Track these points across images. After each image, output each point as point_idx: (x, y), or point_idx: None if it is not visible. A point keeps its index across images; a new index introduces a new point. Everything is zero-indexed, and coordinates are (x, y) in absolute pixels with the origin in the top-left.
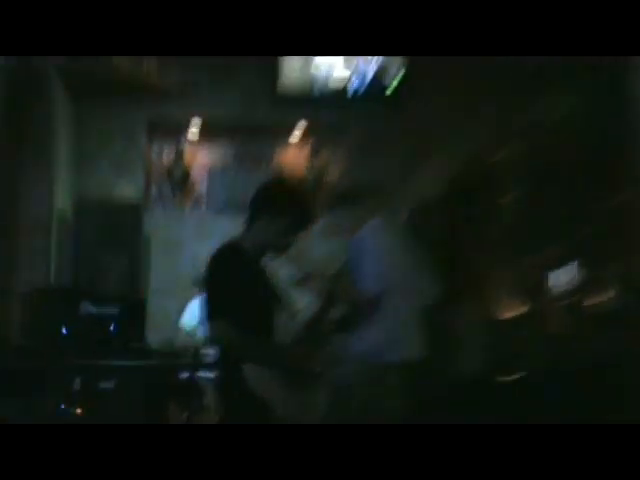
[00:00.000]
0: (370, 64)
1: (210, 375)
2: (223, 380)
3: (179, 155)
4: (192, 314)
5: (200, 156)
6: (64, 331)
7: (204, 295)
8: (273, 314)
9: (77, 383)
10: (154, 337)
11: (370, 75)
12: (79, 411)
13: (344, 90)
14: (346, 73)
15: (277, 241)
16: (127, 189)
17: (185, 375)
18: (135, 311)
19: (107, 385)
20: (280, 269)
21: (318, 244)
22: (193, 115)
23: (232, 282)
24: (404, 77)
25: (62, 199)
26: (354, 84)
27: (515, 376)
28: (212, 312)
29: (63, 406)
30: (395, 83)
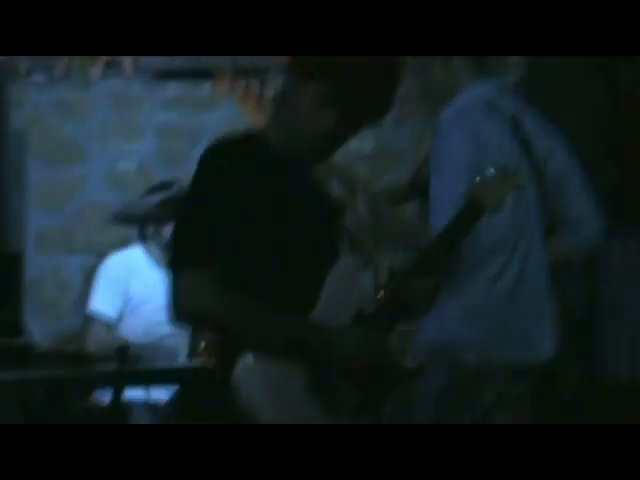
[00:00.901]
0: None
1: (154, 396)
2: (187, 403)
3: None
4: (112, 288)
5: None
6: None
7: (176, 226)
8: (318, 269)
9: None
10: (43, 329)
11: None
12: None
13: None
14: None
15: (332, 132)
16: None
17: (105, 397)
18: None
19: None
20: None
21: None
22: None
23: (233, 202)
24: None
25: None
26: None
27: None
28: (185, 256)
29: None
30: None
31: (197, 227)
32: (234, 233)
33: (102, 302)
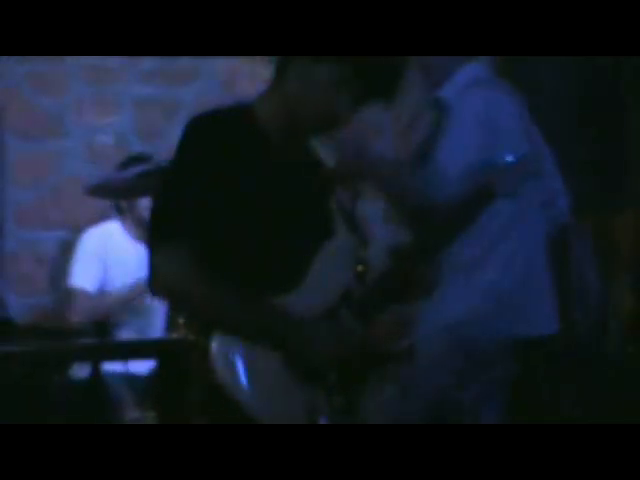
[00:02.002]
0: None
1: (135, 369)
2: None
3: None
4: (91, 261)
5: None
6: None
7: (156, 199)
8: (308, 249)
9: None
10: (21, 303)
11: None
12: None
13: None
14: None
15: (329, 108)
16: None
17: (84, 372)
18: None
19: None
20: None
21: None
22: None
23: (217, 177)
24: None
25: None
26: None
27: None
28: (163, 232)
29: None
30: None
31: (177, 202)
32: (217, 209)
33: (81, 276)
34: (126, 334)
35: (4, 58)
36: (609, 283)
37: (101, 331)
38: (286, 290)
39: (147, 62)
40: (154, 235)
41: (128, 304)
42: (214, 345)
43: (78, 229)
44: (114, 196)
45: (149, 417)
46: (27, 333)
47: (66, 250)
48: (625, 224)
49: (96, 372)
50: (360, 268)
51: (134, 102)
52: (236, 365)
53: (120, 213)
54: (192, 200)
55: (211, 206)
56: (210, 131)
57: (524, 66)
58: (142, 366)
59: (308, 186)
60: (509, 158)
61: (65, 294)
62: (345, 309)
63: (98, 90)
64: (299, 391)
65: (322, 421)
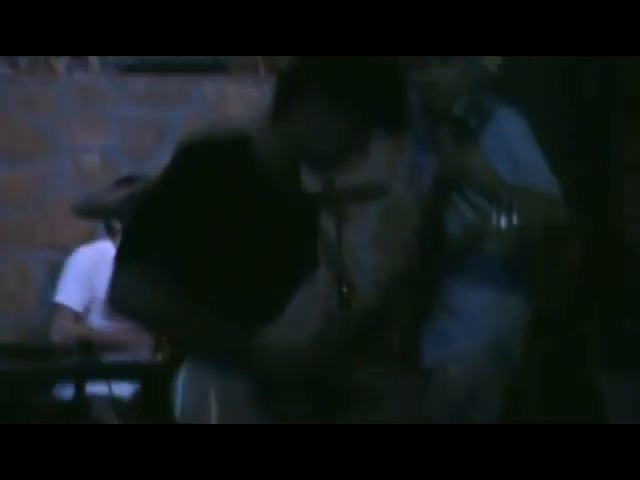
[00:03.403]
0: None
1: (119, 390)
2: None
3: None
4: (80, 281)
5: None
6: None
7: (131, 216)
8: (288, 283)
9: None
10: (3, 323)
11: None
12: None
13: None
14: None
15: (330, 144)
16: None
17: (67, 392)
18: None
19: None
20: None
21: None
22: None
23: (209, 205)
24: None
25: None
26: None
27: None
28: (128, 250)
29: None
30: None
31: (152, 222)
32: (194, 235)
33: (69, 294)
34: (111, 355)
35: None
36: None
37: (86, 351)
38: (261, 322)
39: (137, 83)
40: (119, 250)
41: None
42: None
43: (64, 249)
44: (103, 216)
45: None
46: (10, 352)
47: (52, 270)
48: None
49: (80, 393)
50: (345, 290)
51: (123, 123)
52: (197, 388)
53: (111, 234)
54: (166, 222)
55: (192, 230)
56: (203, 155)
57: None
58: (126, 388)
59: (297, 218)
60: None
61: (50, 310)
62: (327, 328)
63: (87, 110)
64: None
65: None
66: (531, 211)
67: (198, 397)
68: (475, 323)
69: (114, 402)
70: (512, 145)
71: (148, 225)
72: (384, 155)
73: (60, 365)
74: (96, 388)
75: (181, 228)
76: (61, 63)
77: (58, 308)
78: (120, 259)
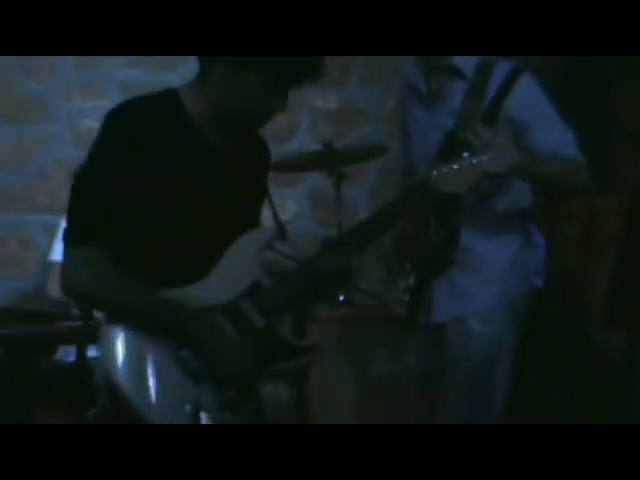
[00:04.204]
0: None
1: None
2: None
3: None
4: None
5: None
6: None
7: (71, 193)
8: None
9: None
10: (6, 287)
11: None
12: None
13: None
14: None
15: (256, 102)
16: None
17: (64, 355)
18: None
19: None
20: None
21: None
22: None
23: (136, 168)
24: None
25: None
26: None
27: None
28: (74, 230)
29: None
30: None
31: (93, 198)
32: (138, 198)
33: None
34: None
35: None
36: (591, 267)
37: (86, 314)
38: (193, 279)
39: None
40: (68, 235)
41: None
42: (105, 331)
43: (64, 212)
44: None
45: None
46: (12, 316)
47: (52, 234)
48: (609, 209)
49: (81, 356)
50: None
51: (120, 86)
52: (121, 353)
53: None
54: (110, 193)
55: (131, 195)
56: (134, 117)
57: None
58: None
59: (235, 176)
60: (449, 166)
61: (46, 269)
62: (247, 301)
63: (84, 74)
64: (186, 387)
65: (205, 419)
66: (559, 179)
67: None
68: (493, 278)
69: None
70: (527, 109)
71: (89, 203)
72: (382, 114)
73: (61, 328)
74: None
75: (121, 196)
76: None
77: (53, 266)
78: (68, 241)
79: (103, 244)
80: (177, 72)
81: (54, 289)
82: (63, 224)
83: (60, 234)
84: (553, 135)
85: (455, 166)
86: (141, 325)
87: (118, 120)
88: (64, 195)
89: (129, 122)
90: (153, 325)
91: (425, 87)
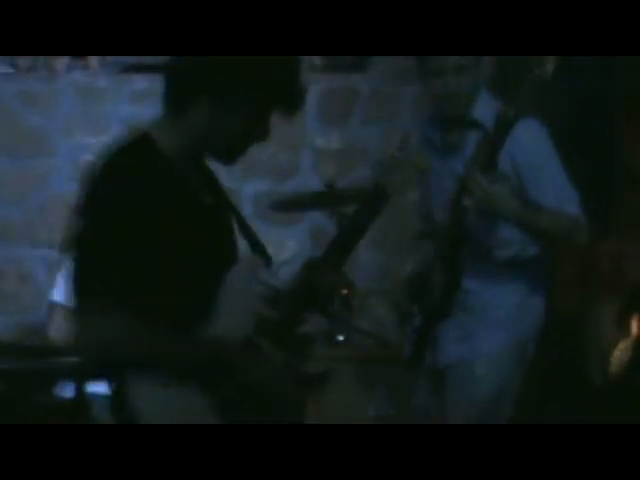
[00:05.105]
0: None
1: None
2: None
3: None
4: None
5: None
6: None
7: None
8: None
9: None
10: (5, 322)
11: None
12: None
13: None
14: None
15: (234, 137)
16: None
17: (67, 391)
18: None
19: None
20: None
21: None
22: None
23: (139, 211)
24: None
25: None
26: None
27: None
28: (86, 277)
29: None
30: None
31: (97, 255)
32: (131, 255)
33: (65, 292)
34: None
35: None
36: (589, 311)
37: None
38: (204, 321)
39: (137, 82)
40: (76, 292)
41: None
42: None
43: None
44: None
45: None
46: (10, 351)
47: (51, 269)
48: (609, 253)
49: (80, 392)
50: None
51: (123, 122)
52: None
53: None
54: (106, 254)
55: (125, 252)
56: (113, 169)
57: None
58: None
59: (215, 212)
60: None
61: (47, 309)
62: (260, 337)
63: (87, 109)
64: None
65: None
66: (556, 233)
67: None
68: (500, 323)
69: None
70: (535, 160)
71: (92, 259)
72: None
73: (60, 364)
74: (96, 387)
75: (115, 254)
76: (61, 62)
77: (55, 306)
78: (78, 299)
79: (113, 295)
80: None
81: (56, 331)
82: (63, 261)
83: (60, 273)
84: (557, 191)
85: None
86: (175, 371)
87: (98, 176)
88: (64, 230)
89: (109, 175)
90: (190, 368)
91: (440, 140)
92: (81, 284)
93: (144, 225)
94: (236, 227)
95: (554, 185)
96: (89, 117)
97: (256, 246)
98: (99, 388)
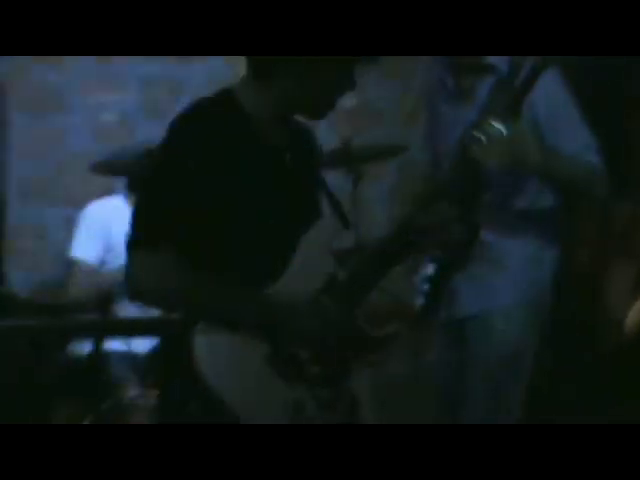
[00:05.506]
0: None
1: (135, 348)
2: (162, 358)
3: None
4: (94, 234)
5: None
6: None
7: (139, 199)
8: (295, 236)
9: None
10: (23, 279)
11: None
12: None
13: None
14: None
15: (321, 92)
16: None
17: (84, 348)
18: None
19: None
20: None
21: None
22: None
23: (205, 174)
24: None
25: None
26: None
27: None
28: (143, 235)
29: None
30: None
31: (161, 203)
32: (203, 206)
33: (83, 248)
34: (128, 311)
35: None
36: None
37: (102, 307)
38: (272, 278)
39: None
40: (133, 237)
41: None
42: (198, 338)
43: (81, 206)
44: (120, 173)
45: (150, 395)
46: (28, 308)
47: (69, 227)
48: (626, 213)
49: (97, 349)
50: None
51: (141, 80)
52: (219, 361)
53: (130, 188)
54: (175, 201)
55: (198, 202)
56: (196, 122)
57: None
58: (144, 344)
59: (297, 171)
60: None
61: (66, 265)
62: (326, 295)
63: (104, 67)
64: (283, 389)
65: (307, 419)
66: (576, 182)
67: (216, 359)
68: (519, 275)
69: (132, 358)
70: (555, 108)
71: (155, 208)
72: (401, 112)
73: (78, 321)
74: (114, 344)
75: (187, 203)
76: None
77: (74, 262)
78: (133, 244)
79: (177, 246)
80: (197, 65)
81: (76, 288)
82: (79, 220)
83: (80, 228)
84: (577, 138)
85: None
86: (238, 327)
87: (181, 126)
88: (82, 188)
89: (192, 127)
90: (254, 325)
91: (453, 84)
92: (142, 232)
93: (220, 178)
94: (316, 189)
95: (573, 132)
96: (106, 75)
97: (336, 209)
98: (116, 345)
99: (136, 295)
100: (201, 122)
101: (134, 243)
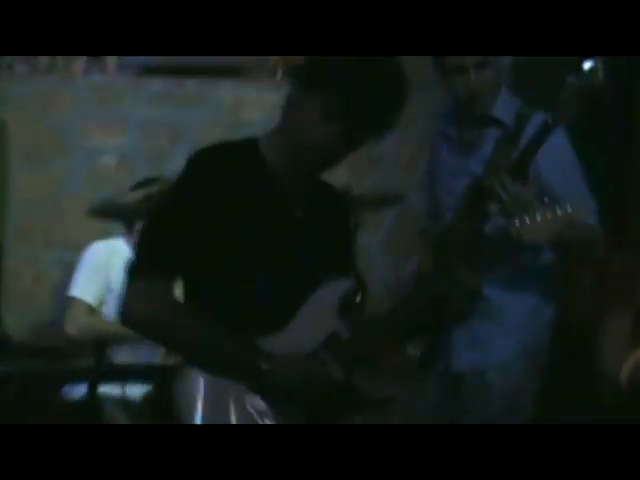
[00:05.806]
0: None
1: (129, 392)
2: (161, 401)
3: None
4: (94, 275)
5: None
6: None
7: (145, 226)
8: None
9: None
10: (16, 320)
11: None
12: None
13: None
14: None
15: (322, 140)
16: None
17: (79, 391)
18: None
19: None
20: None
21: None
22: None
23: (215, 211)
24: None
25: None
26: None
27: None
28: (144, 261)
29: None
30: None
31: (166, 233)
32: (208, 243)
33: (82, 287)
34: (124, 356)
35: (15, 76)
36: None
37: (99, 348)
38: (271, 330)
39: (154, 85)
40: (134, 262)
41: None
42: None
43: (79, 248)
44: (118, 217)
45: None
46: (24, 352)
47: (67, 270)
48: (624, 263)
49: (92, 393)
50: (359, 297)
51: (140, 124)
52: (201, 397)
53: (130, 234)
54: (182, 233)
55: (207, 237)
56: (215, 162)
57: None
58: (138, 389)
59: (310, 223)
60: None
61: (64, 304)
62: (326, 353)
63: (104, 111)
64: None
65: None
66: (577, 244)
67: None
68: (514, 329)
69: (126, 403)
70: (558, 167)
71: (161, 239)
72: (400, 162)
73: (73, 365)
74: (109, 388)
75: (195, 238)
76: (79, 63)
77: (72, 301)
78: (133, 269)
79: (174, 280)
80: (196, 110)
81: (73, 327)
82: (80, 260)
83: (80, 267)
84: (577, 200)
85: (539, 217)
86: (216, 368)
87: (199, 163)
88: (79, 231)
89: (210, 166)
90: (229, 369)
91: (457, 134)
92: (147, 260)
93: (228, 218)
94: (338, 243)
95: (574, 194)
96: (106, 119)
97: (347, 269)
98: (111, 389)
99: (126, 321)
100: (217, 161)
101: (132, 268)
